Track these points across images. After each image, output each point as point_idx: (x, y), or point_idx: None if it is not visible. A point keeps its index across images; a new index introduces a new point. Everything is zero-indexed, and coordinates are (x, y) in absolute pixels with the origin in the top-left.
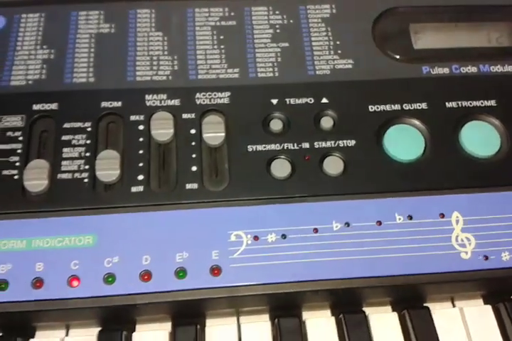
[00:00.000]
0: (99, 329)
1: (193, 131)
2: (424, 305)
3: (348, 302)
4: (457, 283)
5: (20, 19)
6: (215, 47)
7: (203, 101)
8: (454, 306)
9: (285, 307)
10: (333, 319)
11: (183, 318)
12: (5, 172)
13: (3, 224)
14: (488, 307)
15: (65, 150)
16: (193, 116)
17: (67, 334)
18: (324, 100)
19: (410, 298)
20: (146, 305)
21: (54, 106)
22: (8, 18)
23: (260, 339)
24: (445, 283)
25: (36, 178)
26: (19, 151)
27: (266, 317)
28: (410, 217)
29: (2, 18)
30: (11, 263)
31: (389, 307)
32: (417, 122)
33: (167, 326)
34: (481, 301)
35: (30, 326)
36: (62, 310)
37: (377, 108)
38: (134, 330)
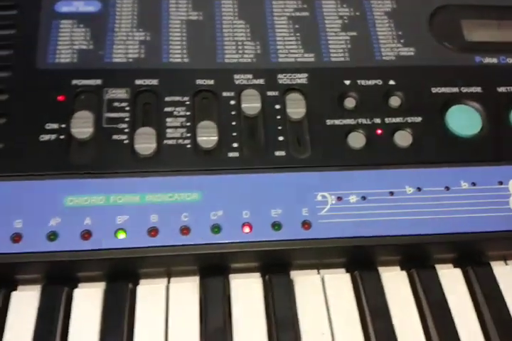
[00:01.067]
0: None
1: (277, 107)
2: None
3: (417, 258)
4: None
5: (115, 4)
6: (292, 34)
7: (284, 81)
8: (506, 264)
9: (362, 261)
10: (403, 273)
11: (274, 267)
12: (115, 136)
13: (117, 182)
14: None
15: (168, 120)
16: (276, 93)
17: (168, 281)
18: (391, 82)
19: (471, 254)
20: (244, 252)
21: (155, 81)
22: (103, 2)
23: (341, 290)
24: (503, 239)
25: (146, 142)
26: (127, 119)
27: (343, 270)
28: (474, 184)
29: (98, 2)
30: (127, 214)
31: (450, 265)
32: (474, 103)
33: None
34: None
35: (136, 272)
36: (176, 256)
37: (439, 90)
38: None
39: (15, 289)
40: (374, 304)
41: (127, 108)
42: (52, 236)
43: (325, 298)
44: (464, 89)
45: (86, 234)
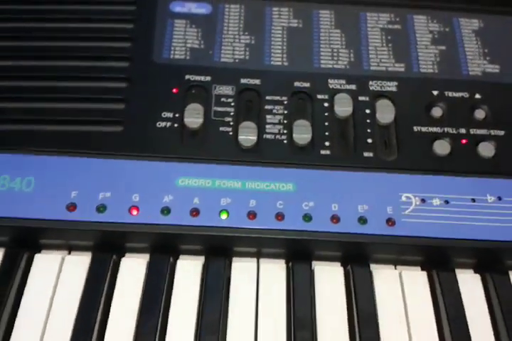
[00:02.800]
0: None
1: (367, 111)
2: None
3: (491, 262)
4: None
5: (224, 8)
6: (384, 45)
7: (375, 87)
8: None
9: (439, 261)
10: (476, 276)
11: (355, 258)
12: (221, 128)
13: (222, 168)
14: None
15: (268, 116)
16: (367, 99)
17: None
18: (477, 96)
19: None
20: (330, 241)
21: (257, 81)
22: (213, 6)
23: (418, 286)
24: None
25: (248, 135)
26: (232, 114)
27: (418, 268)
28: None
29: (208, 5)
30: (230, 198)
31: None
32: None
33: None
34: None
35: (231, 250)
36: (269, 238)
37: None
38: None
39: (123, 256)
40: (450, 303)
41: (232, 103)
42: (166, 211)
43: (402, 293)
44: None
45: (194, 212)
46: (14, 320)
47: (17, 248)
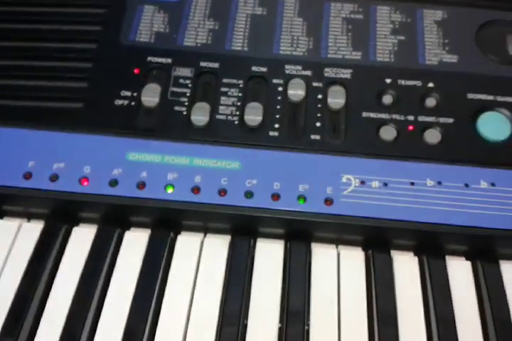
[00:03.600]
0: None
1: (319, 96)
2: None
3: (429, 246)
4: None
5: None
6: (344, 33)
7: (330, 74)
8: None
9: (376, 242)
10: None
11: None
12: (176, 108)
13: (172, 145)
14: None
15: (222, 98)
16: (320, 85)
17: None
18: (430, 84)
19: (480, 247)
20: (271, 218)
21: (216, 65)
22: None
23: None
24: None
25: (200, 115)
26: (188, 94)
27: (359, 249)
28: (493, 184)
29: None
30: (177, 173)
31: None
32: (507, 112)
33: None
34: None
35: (178, 224)
36: (212, 213)
37: (475, 96)
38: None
39: (75, 225)
40: (383, 282)
41: (190, 85)
42: (114, 183)
43: (338, 271)
44: (499, 98)
45: (141, 185)
46: None
47: None
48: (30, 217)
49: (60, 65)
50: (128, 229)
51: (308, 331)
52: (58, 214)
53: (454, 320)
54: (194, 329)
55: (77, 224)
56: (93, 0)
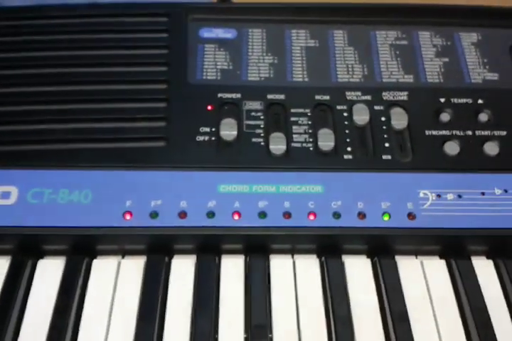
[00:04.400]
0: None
1: (383, 119)
2: None
3: (504, 249)
4: None
5: (248, 32)
6: (393, 59)
7: (388, 97)
8: None
9: (456, 250)
10: (489, 262)
11: (380, 251)
12: (254, 139)
13: (257, 175)
14: None
15: (294, 127)
16: (382, 108)
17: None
18: (480, 101)
19: None
20: (358, 236)
21: (282, 96)
22: (238, 30)
23: (438, 276)
24: None
25: (278, 144)
26: (261, 126)
27: (437, 258)
28: None
29: (234, 30)
30: (266, 200)
31: None
32: None
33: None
34: None
35: (270, 248)
36: (302, 235)
37: None
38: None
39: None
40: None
41: (261, 117)
42: (210, 214)
43: (425, 279)
44: None
45: (236, 215)
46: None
47: (76, 255)
48: (125, 254)
49: (135, 106)
50: (220, 256)
51: None
52: (159, 248)
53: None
54: None
55: (172, 256)
56: (155, 42)
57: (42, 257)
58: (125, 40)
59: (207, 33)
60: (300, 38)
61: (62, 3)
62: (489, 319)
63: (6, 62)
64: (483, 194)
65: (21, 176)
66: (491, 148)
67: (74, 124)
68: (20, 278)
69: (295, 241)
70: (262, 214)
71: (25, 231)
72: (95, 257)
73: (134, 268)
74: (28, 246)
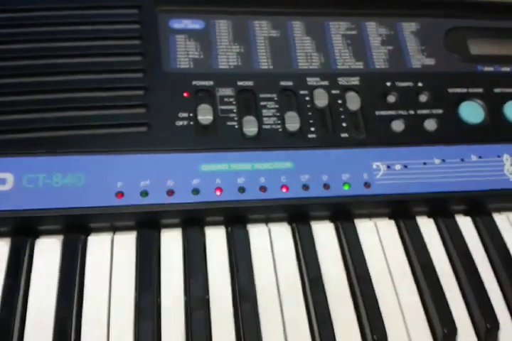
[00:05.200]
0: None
1: (339, 101)
2: None
3: (442, 209)
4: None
5: (214, 23)
6: (345, 47)
7: (343, 82)
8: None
9: (403, 212)
10: (430, 220)
11: (342, 216)
12: (228, 123)
13: (233, 155)
14: None
15: (263, 111)
16: (338, 92)
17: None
18: (420, 84)
19: (477, 205)
20: (324, 204)
21: (251, 83)
22: (205, 21)
23: (392, 236)
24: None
25: (250, 127)
26: (234, 110)
27: (387, 219)
28: (480, 157)
29: (201, 21)
30: (244, 177)
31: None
32: (478, 100)
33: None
34: None
35: (247, 218)
36: (276, 206)
37: (454, 90)
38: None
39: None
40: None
41: (234, 102)
42: (195, 191)
43: (380, 242)
44: (471, 90)
45: (218, 190)
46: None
47: (73, 233)
48: (115, 230)
49: (115, 95)
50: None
51: None
52: (149, 224)
53: None
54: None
55: (160, 229)
56: (127, 33)
57: (38, 237)
58: (99, 32)
59: (176, 23)
60: (263, 29)
61: None
62: (435, 271)
63: None
64: (425, 164)
65: (16, 163)
66: (430, 125)
67: (62, 113)
68: (22, 255)
69: (270, 212)
70: (241, 189)
71: (23, 213)
72: (89, 235)
73: (127, 242)
74: (25, 228)
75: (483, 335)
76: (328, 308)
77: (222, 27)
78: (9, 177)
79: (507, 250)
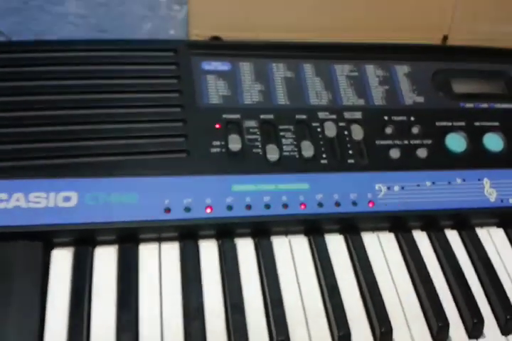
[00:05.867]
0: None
1: (345, 132)
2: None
3: (434, 224)
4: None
5: (239, 65)
6: (349, 86)
7: (348, 116)
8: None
9: (401, 226)
10: (424, 234)
11: (350, 230)
12: (254, 150)
13: (259, 177)
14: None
15: (283, 140)
16: (344, 124)
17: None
18: (412, 118)
19: (463, 223)
20: (334, 219)
21: (271, 116)
22: (232, 64)
23: (392, 246)
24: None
25: (273, 154)
26: (259, 140)
27: (387, 232)
28: (464, 180)
29: (228, 63)
30: (269, 196)
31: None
32: (461, 132)
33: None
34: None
35: (270, 231)
36: (296, 220)
37: (440, 123)
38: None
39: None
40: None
41: (258, 133)
42: (229, 208)
43: (382, 252)
44: (455, 123)
45: (248, 207)
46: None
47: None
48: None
49: (159, 126)
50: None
51: None
52: (191, 235)
53: None
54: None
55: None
56: (166, 73)
57: (95, 247)
58: (141, 71)
59: (207, 65)
60: (280, 70)
61: (80, 39)
62: (429, 275)
63: (38, 90)
64: (418, 186)
65: (80, 184)
66: (422, 153)
67: (118, 141)
68: (84, 262)
69: (290, 225)
70: (267, 206)
71: (84, 226)
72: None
73: (171, 251)
74: (86, 239)
75: None
76: (344, 311)
77: (246, 68)
78: (74, 196)
79: (488, 259)
